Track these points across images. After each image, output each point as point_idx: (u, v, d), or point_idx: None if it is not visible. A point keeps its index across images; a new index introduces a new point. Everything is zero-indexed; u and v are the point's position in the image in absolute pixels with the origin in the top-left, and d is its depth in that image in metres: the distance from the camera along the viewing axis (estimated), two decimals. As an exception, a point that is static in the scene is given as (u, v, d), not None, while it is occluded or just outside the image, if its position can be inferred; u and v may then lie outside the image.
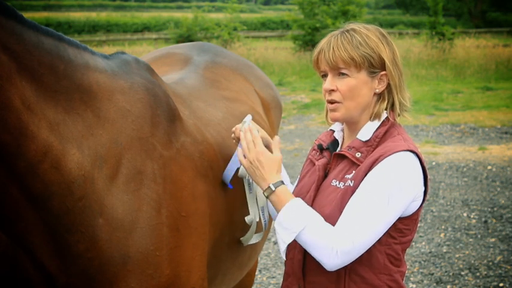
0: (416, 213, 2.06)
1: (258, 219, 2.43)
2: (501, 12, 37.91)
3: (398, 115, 2.11)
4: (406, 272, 5.09)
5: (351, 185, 2.01)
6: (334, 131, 2.21)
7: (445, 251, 5.61)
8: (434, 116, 12.00)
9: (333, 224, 1.99)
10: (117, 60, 2.15)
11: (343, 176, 2.05)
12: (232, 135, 2.29)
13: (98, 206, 1.88)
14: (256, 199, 2.41)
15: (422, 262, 5.37)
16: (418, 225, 6.24)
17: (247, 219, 2.42)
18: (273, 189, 2.04)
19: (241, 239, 2.49)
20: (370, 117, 2.08)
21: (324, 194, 2.08)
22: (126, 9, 48.19)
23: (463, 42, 22.28)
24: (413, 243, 5.78)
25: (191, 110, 2.45)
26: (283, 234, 1.99)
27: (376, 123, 2.07)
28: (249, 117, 2.27)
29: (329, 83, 2.06)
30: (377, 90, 2.06)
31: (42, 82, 1.75)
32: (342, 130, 2.19)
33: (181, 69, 3.05)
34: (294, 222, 1.96)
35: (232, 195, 2.43)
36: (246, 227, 2.57)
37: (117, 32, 31.60)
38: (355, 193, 1.98)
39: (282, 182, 2.06)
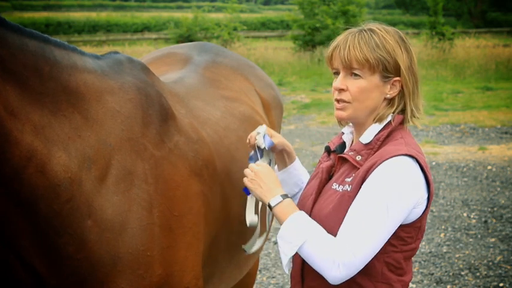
0: (419, 220, 1.98)
1: (257, 222, 2.37)
2: (501, 12, 37.88)
3: (408, 122, 2.04)
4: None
5: (348, 189, 1.97)
6: (344, 133, 2.17)
7: (445, 251, 5.61)
8: (434, 116, 11.99)
9: (330, 227, 1.97)
10: (109, 60, 2.13)
11: (343, 179, 2.01)
12: (248, 141, 2.24)
13: (86, 208, 1.86)
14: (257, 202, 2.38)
15: (422, 262, 5.36)
16: (418, 225, 6.25)
17: (248, 222, 2.34)
18: (280, 200, 2.02)
19: (243, 247, 2.41)
20: (374, 119, 2.02)
21: (324, 197, 2.05)
22: (126, 9, 48.14)
23: (463, 42, 22.26)
24: (413, 243, 5.78)
25: (188, 109, 2.44)
26: (285, 247, 1.95)
27: (379, 126, 2.02)
28: (263, 128, 2.22)
29: (340, 81, 2.00)
30: (388, 96, 2.00)
31: (27, 85, 1.73)
32: (352, 133, 2.13)
33: (181, 68, 3.05)
34: (295, 235, 1.93)
35: (230, 194, 2.42)
36: (244, 227, 2.56)
37: (117, 32, 31.55)
38: (354, 202, 1.94)
39: (286, 196, 2.03)
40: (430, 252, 5.57)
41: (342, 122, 2.15)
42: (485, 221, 6.32)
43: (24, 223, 1.79)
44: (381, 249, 1.95)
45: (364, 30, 2.01)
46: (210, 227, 2.28)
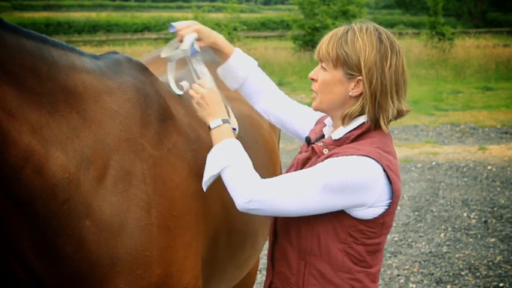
0: (381, 217, 1.98)
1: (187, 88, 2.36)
2: (501, 12, 37.86)
3: (375, 126, 2.00)
4: (406, 272, 5.10)
5: None
6: (325, 125, 2.19)
7: (445, 251, 5.61)
8: (434, 116, 11.99)
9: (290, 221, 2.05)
10: (108, 60, 2.12)
11: None
12: (177, 37, 2.30)
13: (84, 208, 1.86)
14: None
15: (422, 262, 5.36)
16: (418, 225, 6.24)
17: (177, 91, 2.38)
18: (219, 124, 2.11)
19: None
20: (340, 118, 2.03)
21: None
22: (126, 9, 48.10)
23: (463, 42, 22.24)
24: (413, 243, 5.78)
25: (187, 108, 2.44)
26: (209, 167, 2.05)
27: (352, 126, 2.03)
28: (193, 36, 2.28)
29: (312, 71, 2.09)
30: (350, 93, 2.00)
31: (25, 86, 1.72)
32: (333, 125, 2.15)
33: (181, 68, 3.04)
34: (221, 158, 2.03)
35: (229, 194, 2.41)
36: (244, 226, 2.55)
37: (117, 32, 31.49)
38: None
39: (228, 121, 2.13)
40: (430, 252, 5.57)
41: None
42: (485, 221, 6.32)
43: (23, 223, 1.79)
44: (341, 239, 1.99)
45: (344, 28, 2.06)
46: (209, 227, 2.27)
